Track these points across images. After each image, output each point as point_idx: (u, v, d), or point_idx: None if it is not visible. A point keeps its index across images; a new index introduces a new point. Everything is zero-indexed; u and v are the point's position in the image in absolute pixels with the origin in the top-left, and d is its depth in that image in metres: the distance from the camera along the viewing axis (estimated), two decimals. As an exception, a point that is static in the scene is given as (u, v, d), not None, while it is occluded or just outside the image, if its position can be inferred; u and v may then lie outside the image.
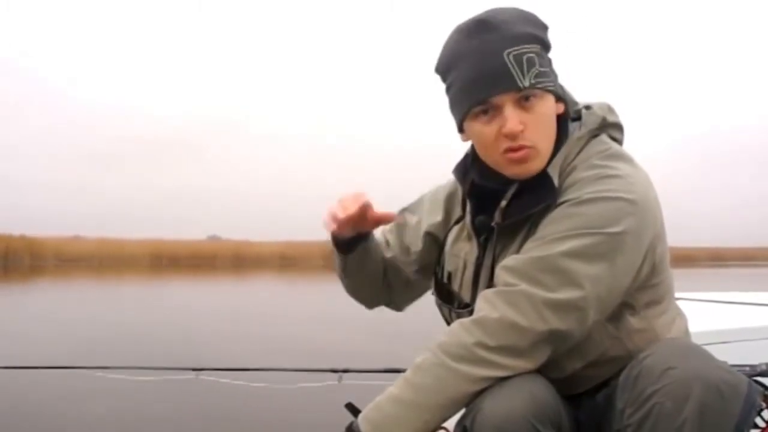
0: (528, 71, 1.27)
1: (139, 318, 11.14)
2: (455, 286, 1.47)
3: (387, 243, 1.65)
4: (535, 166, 1.32)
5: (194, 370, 1.71)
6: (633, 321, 1.31)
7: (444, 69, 1.36)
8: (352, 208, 1.45)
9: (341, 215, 1.46)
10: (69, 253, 41.08)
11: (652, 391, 1.12)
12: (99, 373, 1.75)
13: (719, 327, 2.20)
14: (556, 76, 1.34)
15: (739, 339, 2.09)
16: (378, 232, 1.65)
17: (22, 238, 40.31)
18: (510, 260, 1.29)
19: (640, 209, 1.26)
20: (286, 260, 45.87)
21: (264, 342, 8.25)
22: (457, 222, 1.52)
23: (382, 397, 1.25)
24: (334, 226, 1.49)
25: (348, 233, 1.53)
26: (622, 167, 1.31)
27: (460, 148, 1.46)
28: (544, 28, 1.35)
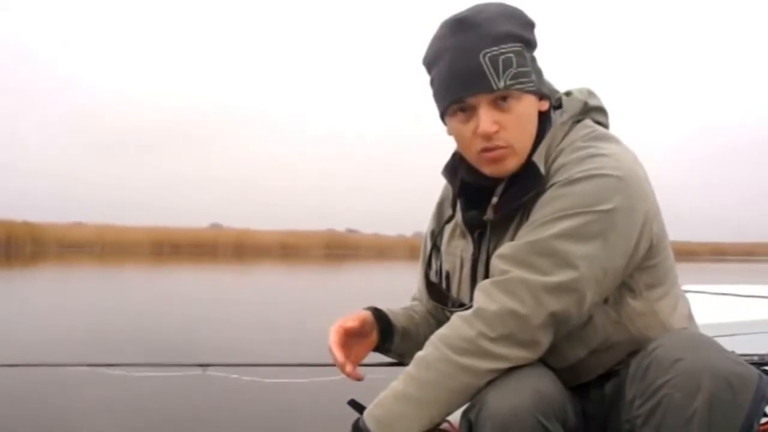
0: (504, 73, 1.27)
1: (142, 306, 11.12)
2: (454, 284, 1.46)
3: (419, 291, 1.61)
4: (511, 165, 1.32)
5: (201, 365, 1.67)
6: (634, 304, 1.30)
7: (428, 63, 1.37)
8: (339, 355, 1.40)
9: (340, 359, 1.40)
10: (71, 240, 41.03)
11: (661, 383, 1.12)
12: (109, 371, 1.71)
13: (728, 319, 2.19)
14: (539, 74, 1.33)
15: (748, 332, 2.08)
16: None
17: (25, 224, 40.26)
18: (504, 248, 1.28)
19: (629, 185, 1.25)
20: (286, 249, 45.84)
21: (271, 333, 8.23)
22: (447, 221, 1.51)
23: (386, 393, 1.24)
24: (348, 368, 1.41)
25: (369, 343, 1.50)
26: (607, 147, 1.30)
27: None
28: (529, 25, 1.33)
